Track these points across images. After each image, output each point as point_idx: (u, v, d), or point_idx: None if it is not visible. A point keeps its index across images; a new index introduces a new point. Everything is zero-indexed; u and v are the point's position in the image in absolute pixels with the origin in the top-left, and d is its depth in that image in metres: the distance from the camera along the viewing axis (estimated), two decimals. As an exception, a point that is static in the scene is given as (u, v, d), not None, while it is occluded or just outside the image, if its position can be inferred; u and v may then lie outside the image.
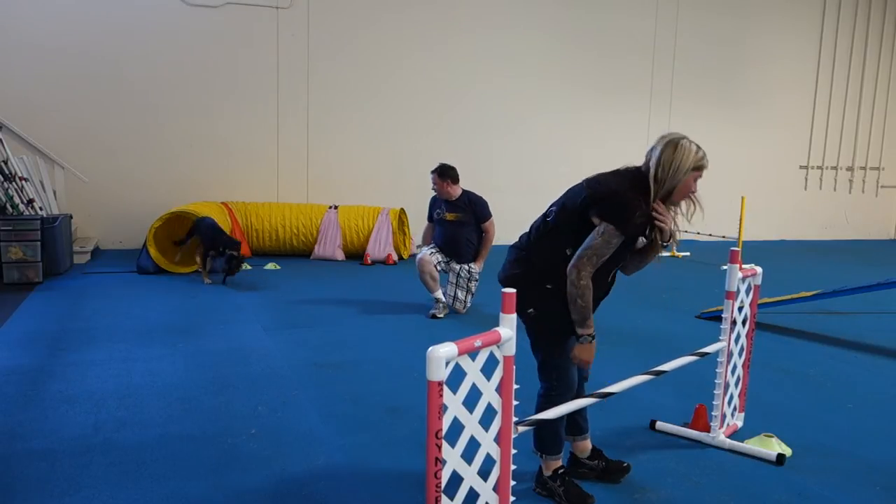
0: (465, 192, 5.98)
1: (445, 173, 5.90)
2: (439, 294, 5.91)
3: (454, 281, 5.96)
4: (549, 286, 2.70)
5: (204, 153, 9.39)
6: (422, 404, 2.01)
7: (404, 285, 7.13)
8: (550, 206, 2.83)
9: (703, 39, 11.85)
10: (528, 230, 2.88)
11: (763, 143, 12.59)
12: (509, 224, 10.50)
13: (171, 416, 3.52)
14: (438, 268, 5.92)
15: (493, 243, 6.08)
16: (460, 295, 5.97)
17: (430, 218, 6.14)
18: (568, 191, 2.79)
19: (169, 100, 9.16)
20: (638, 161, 2.75)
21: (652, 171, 2.63)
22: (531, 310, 2.72)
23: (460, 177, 6.03)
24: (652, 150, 2.67)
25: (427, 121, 10.23)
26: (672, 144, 2.62)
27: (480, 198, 6.01)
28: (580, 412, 2.94)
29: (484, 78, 10.61)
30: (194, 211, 7.66)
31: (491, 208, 6.07)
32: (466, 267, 5.97)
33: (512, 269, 2.82)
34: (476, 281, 6.01)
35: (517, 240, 2.91)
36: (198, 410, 3.61)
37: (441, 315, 5.86)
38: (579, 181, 2.77)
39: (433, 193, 6.07)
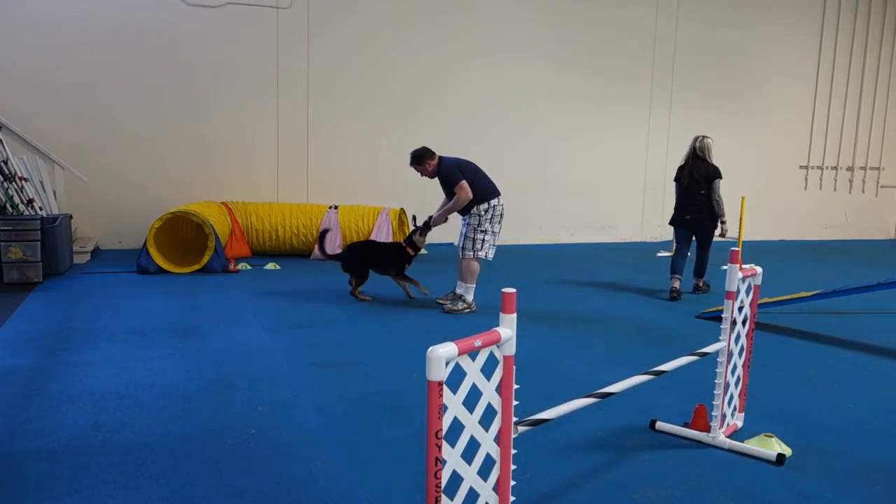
0: (439, 164, 6.00)
1: (425, 156, 5.93)
2: (458, 286, 6.10)
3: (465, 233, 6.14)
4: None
5: (204, 153, 9.40)
6: (422, 404, 2.01)
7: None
8: (694, 185, 6.85)
9: (703, 40, 11.85)
10: (692, 200, 6.91)
11: (763, 143, 12.59)
12: (511, 222, 10.56)
13: (171, 416, 3.52)
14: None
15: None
16: (461, 242, 6.07)
17: None
18: (701, 175, 6.75)
19: (169, 100, 9.16)
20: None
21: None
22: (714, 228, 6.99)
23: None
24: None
25: (427, 120, 10.23)
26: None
27: (446, 169, 5.97)
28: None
29: (484, 77, 10.62)
30: (194, 211, 7.66)
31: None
32: (466, 220, 6.08)
33: (706, 212, 6.88)
34: (471, 225, 5.98)
35: (693, 203, 6.93)
36: (198, 410, 3.61)
37: (454, 304, 6.02)
38: (685, 168, 6.68)
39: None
